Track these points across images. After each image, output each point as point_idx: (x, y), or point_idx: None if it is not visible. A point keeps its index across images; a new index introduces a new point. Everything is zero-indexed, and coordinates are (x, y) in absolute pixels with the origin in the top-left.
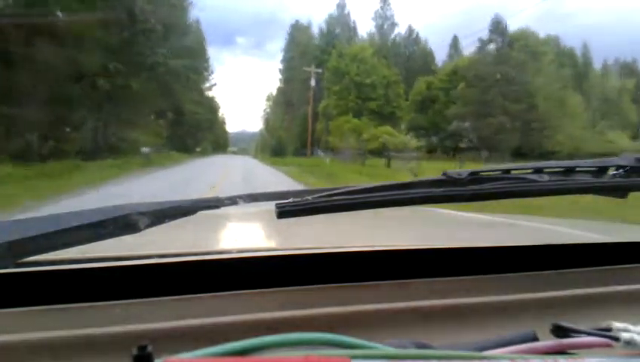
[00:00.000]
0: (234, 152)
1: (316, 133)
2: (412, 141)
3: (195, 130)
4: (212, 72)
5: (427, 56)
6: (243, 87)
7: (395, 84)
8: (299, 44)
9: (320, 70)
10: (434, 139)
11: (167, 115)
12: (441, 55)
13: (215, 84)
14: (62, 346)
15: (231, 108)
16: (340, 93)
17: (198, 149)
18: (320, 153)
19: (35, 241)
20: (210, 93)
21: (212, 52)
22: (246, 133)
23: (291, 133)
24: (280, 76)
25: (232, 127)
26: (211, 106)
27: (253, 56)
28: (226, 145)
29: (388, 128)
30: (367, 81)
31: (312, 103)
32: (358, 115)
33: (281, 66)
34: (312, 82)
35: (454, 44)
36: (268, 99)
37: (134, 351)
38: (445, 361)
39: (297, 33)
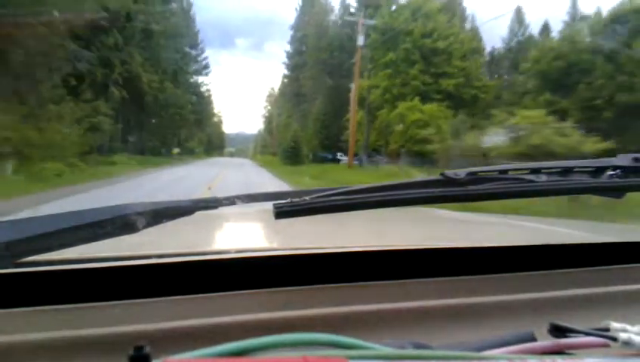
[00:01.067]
0: (231, 154)
1: (341, 129)
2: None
3: (171, 123)
4: (202, 51)
5: (475, 33)
6: (241, 88)
7: (477, 53)
8: (313, 22)
9: (372, 22)
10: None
11: (112, 91)
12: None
13: (207, 67)
14: (60, 347)
15: (229, 109)
16: (395, 65)
17: (175, 151)
18: (365, 159)
19: (33, 241)
20: (199, 80)
21: (210, 53)
22: (244, 134)
23: (305, 132)
24: (286, 61)
25: (230, 128)
26: (199, 94)
27: (252, 58)
28: (222, 146)
29: (539, 113)
30: (440, 45)
31: (358, 78)
32: (424, 99)
33: (288, 49)
34: (360, 40)
35: (518, 16)
36: (269, 95)
37: (131, 352)
38: (443, 361)
39: (310, 5)
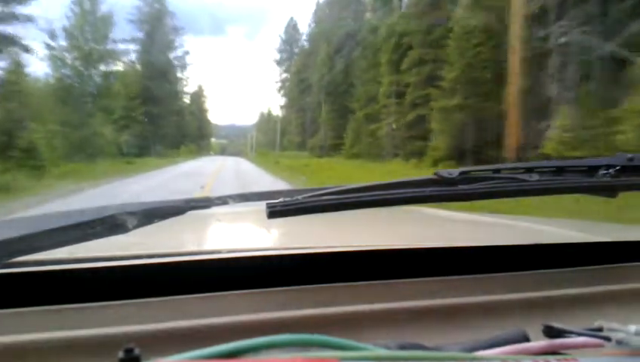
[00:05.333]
0: (223, 149)
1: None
2: None
3: None
4: None
5: None
6: (233, 79)
7: None
8: None
9: None
10: None
11: None
12: None
13: None
14: (49, 348)
15: (220, 100)
16: None
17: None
18: None
19: (22, 242)
20: None
21: (201, 42)
22: (235, 126)
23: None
24: None
25: (220, 119)
26: None
27: (245, 47)
28: (205, 136)
29: None
30: None
31: None
32: None
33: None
34: None
35: None
36: (279, 63)
37: (120, 354)
38: None
39: None
